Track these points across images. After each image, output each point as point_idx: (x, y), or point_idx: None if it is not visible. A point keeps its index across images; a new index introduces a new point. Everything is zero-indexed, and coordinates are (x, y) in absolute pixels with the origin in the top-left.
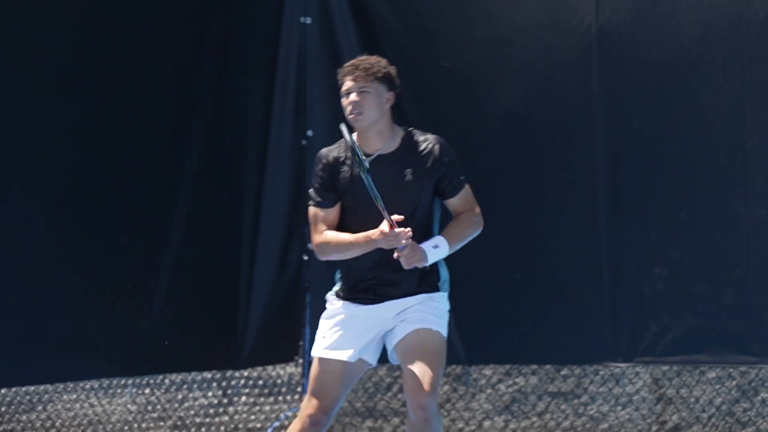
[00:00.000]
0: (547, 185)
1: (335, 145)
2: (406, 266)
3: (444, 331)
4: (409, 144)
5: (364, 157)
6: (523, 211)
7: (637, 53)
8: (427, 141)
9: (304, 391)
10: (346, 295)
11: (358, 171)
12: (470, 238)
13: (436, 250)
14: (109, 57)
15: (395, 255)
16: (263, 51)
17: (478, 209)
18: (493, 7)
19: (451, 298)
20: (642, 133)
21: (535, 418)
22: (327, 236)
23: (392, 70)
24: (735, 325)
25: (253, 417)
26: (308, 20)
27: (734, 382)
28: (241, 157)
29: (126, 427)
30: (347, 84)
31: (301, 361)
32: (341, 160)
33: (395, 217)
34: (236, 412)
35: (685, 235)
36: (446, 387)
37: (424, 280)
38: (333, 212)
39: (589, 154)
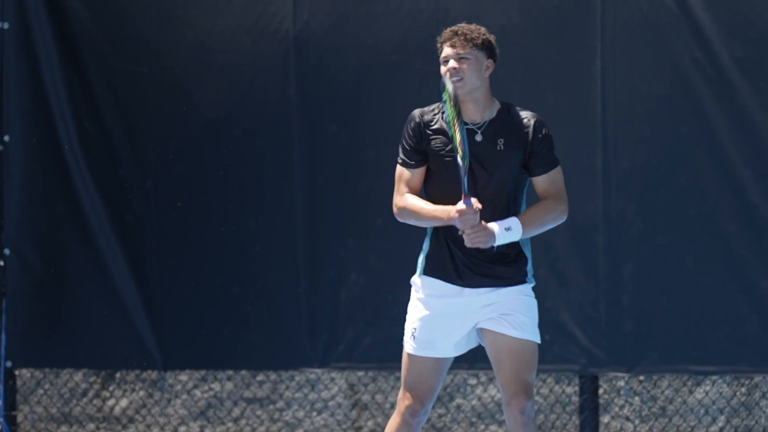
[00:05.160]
0: (248, 191)
1: (431, 107)
2: (468, 244)
3: (538, 337)
4: (505, 115)
5: (459, 113)
6: (223, 215)
7: (335, 58)
8: (523, 115)
9: (0, 397)
10: (431, 273)
11: (449, 134)
12: (549, 226)
13: (508, 233)
14: None
15: (460, 231)
16: None
17: (564, 197)
18: (195, 12)
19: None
20: (338, 139)
21: (230, 424)
22: (408, 200)
23: (492, 38)
24: None
25: None
26: (5, 25)
27: None
28: None
29: None
30: (446, 51)
31: None
32: (432, 123)
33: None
34: None
35: (382, 242)
36: (141, 392)
37: (516, 270)
38: (418, 174)
39: (287, 161)
